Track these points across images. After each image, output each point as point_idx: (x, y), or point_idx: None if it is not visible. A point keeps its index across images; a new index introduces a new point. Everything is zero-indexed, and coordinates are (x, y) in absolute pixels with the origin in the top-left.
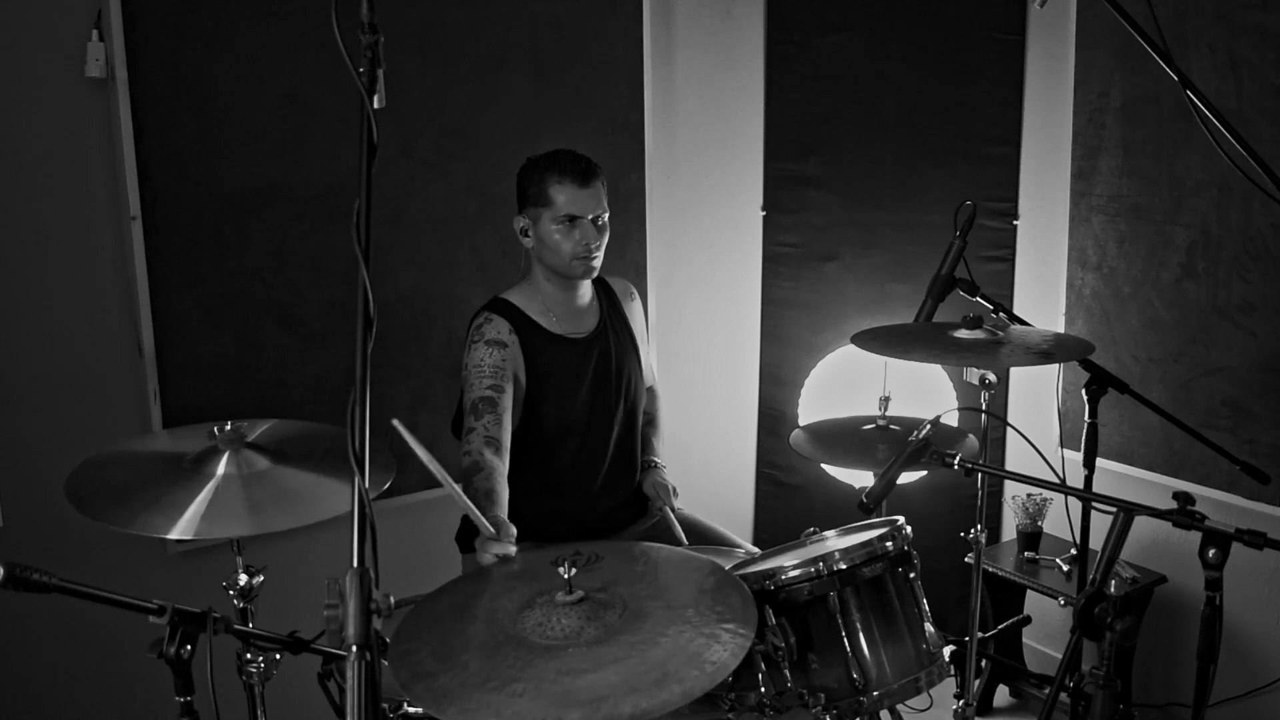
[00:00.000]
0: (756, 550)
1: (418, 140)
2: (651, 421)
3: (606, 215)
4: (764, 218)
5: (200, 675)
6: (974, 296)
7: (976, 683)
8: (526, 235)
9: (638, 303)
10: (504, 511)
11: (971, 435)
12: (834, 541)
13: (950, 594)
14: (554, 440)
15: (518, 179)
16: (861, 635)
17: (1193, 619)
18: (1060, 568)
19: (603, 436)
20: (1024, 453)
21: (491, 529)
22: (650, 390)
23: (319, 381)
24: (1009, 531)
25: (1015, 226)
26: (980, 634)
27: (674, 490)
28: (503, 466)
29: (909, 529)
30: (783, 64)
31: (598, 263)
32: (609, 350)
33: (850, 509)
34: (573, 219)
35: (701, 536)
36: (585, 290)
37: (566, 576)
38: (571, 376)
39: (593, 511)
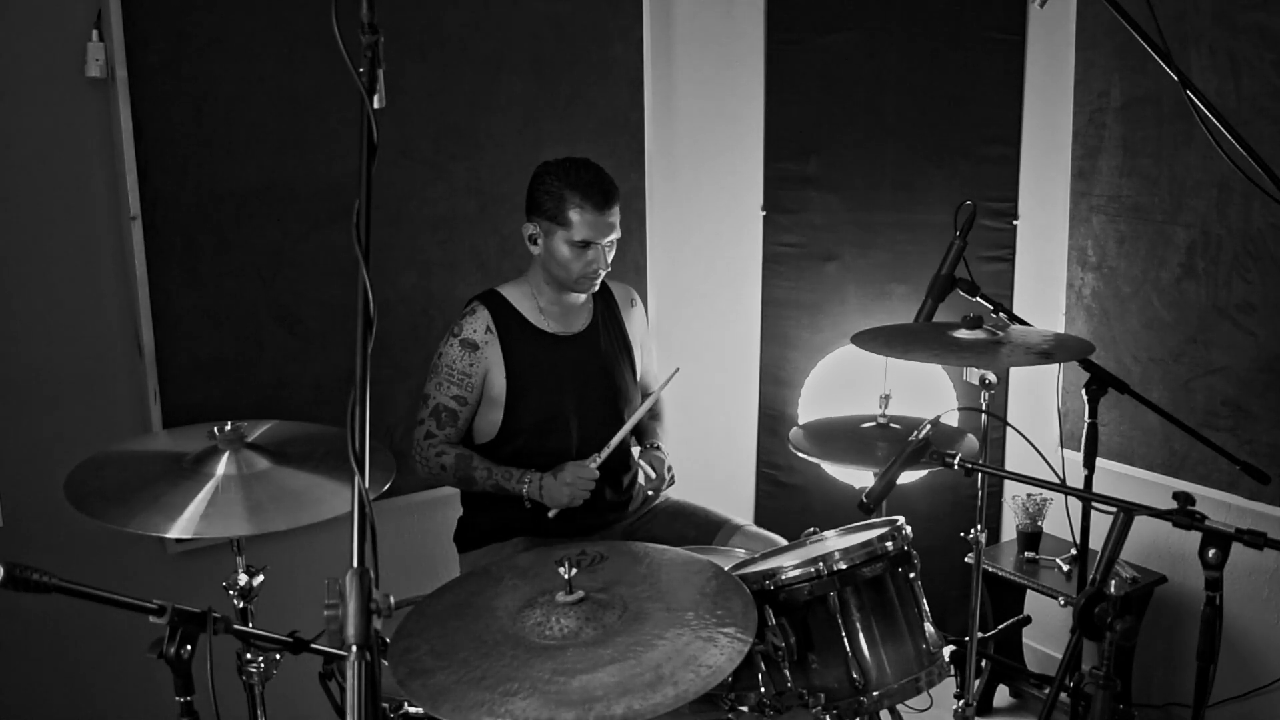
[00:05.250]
0: (748, 523)
1: (418, 140)
2: (656, 416)
3: (618, 236)
4: (764, 218)
5: (200, 675)
6: (974, 296)
7: (976, 683)
8: (535, 243)
9: (639, 309)
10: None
11: (971, 435)
12: (834, 541)
13: (950, 594)
14: (540, 435)
15: (532, 185)
16: (861, 635)
17: (1193, 619)
18: (1060, 568)
19: (589, 433)
20: (1024, 453)
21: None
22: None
23: (319, 382)
24: (1009, 531)
25: (1015, 226)
26: (980, 634)
27: (670, 472)
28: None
29: (909, 529)
30: (783, 64)
31: (599, 281)
32: (597, 350)
33: (850, 509)
34: (587, 244)
35: (692, 520)
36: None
37: (567, 577)
38: (555, 373)
39: (585, 508)
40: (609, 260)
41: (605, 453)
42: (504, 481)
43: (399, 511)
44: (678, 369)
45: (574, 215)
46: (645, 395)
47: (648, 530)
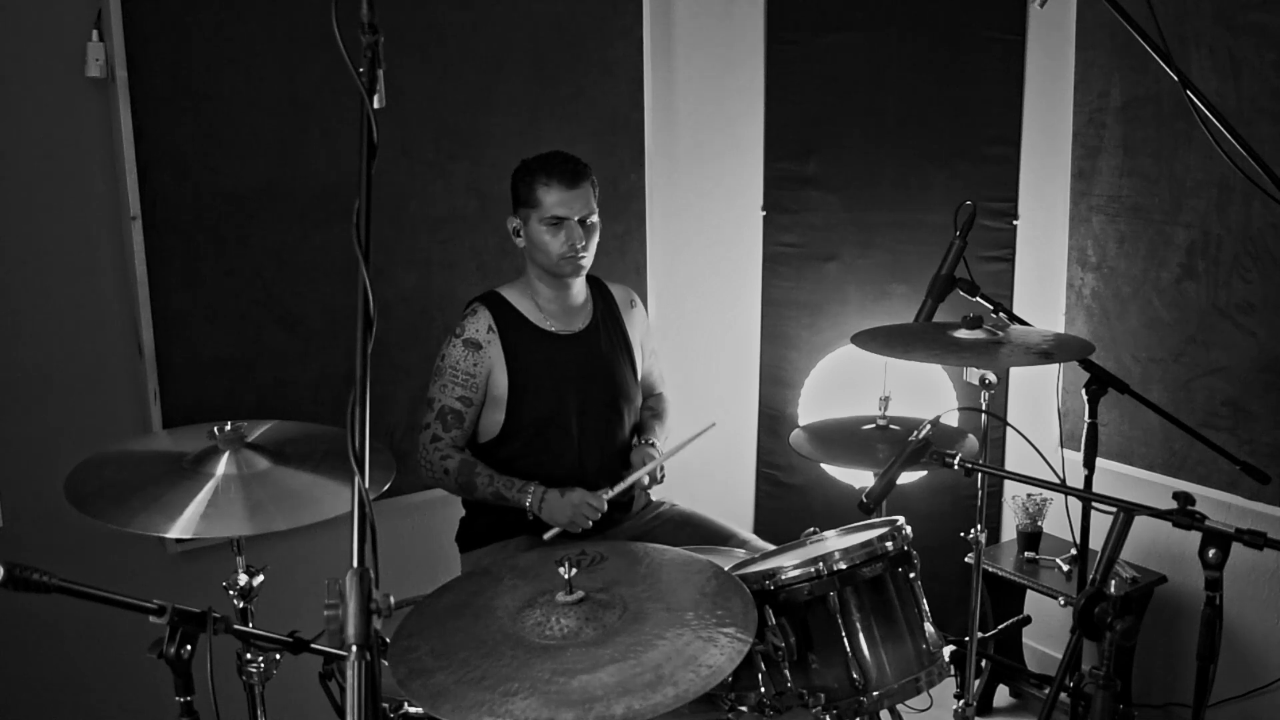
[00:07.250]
0: (754, 538)
1: (418, 140)
2: (657, 415)
3: (594, 216)
4: (764, 218)
5: (200, 675)
6: (974, 296)
7: (976, 683)
8: (518, 235)
9: (639, 310)
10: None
11: (971, 435)
12: (834, 541)
13: (950, 594)
14: (542, 434)
15: (511, 180)
16: (861, 635)
17: (1193, 619)
18: (1060, 568)
19: (591, 432)
20: (1024, 453)
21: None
22: (660, 396)
23: (319, 382)
24: (1009, 531)
25: (1015, 226)
26: (980, 634)
27: (660, 469)
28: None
29: (909, 529)
30: (783, 64)
31: (586, 261)
32: (597, 349)
33: (850, 509)
34: (559, 220)
35: (698, 530)
36: (578, 289)
37: (567, 577)
38: (556, 371)
39: None
40: (589, 242)
41: (619, 488)
42: (505, 490)
43: (399, 511)
44: (713, 424)
45: (543, 194)
46: (647, 395)
47: (653, 537)
